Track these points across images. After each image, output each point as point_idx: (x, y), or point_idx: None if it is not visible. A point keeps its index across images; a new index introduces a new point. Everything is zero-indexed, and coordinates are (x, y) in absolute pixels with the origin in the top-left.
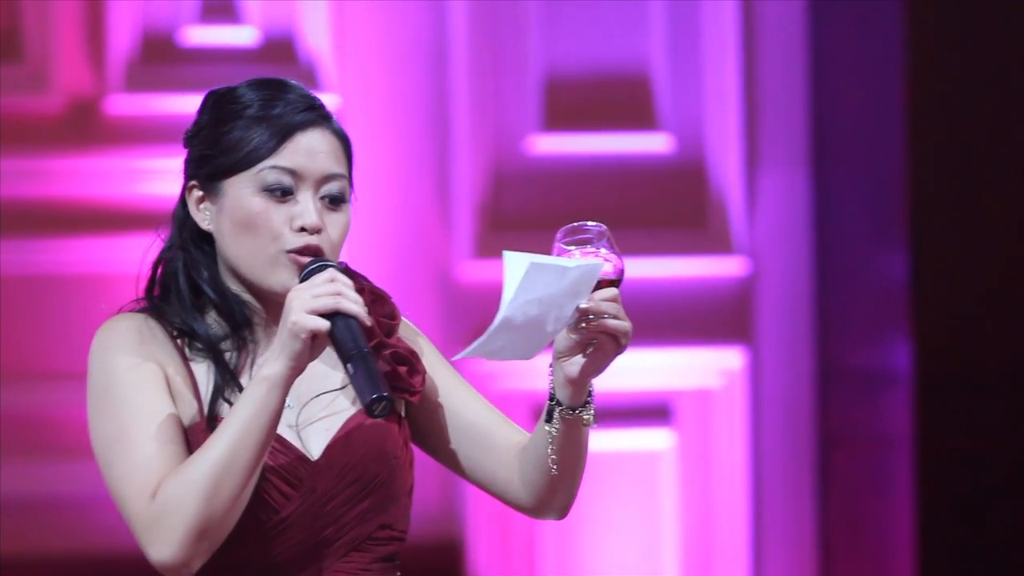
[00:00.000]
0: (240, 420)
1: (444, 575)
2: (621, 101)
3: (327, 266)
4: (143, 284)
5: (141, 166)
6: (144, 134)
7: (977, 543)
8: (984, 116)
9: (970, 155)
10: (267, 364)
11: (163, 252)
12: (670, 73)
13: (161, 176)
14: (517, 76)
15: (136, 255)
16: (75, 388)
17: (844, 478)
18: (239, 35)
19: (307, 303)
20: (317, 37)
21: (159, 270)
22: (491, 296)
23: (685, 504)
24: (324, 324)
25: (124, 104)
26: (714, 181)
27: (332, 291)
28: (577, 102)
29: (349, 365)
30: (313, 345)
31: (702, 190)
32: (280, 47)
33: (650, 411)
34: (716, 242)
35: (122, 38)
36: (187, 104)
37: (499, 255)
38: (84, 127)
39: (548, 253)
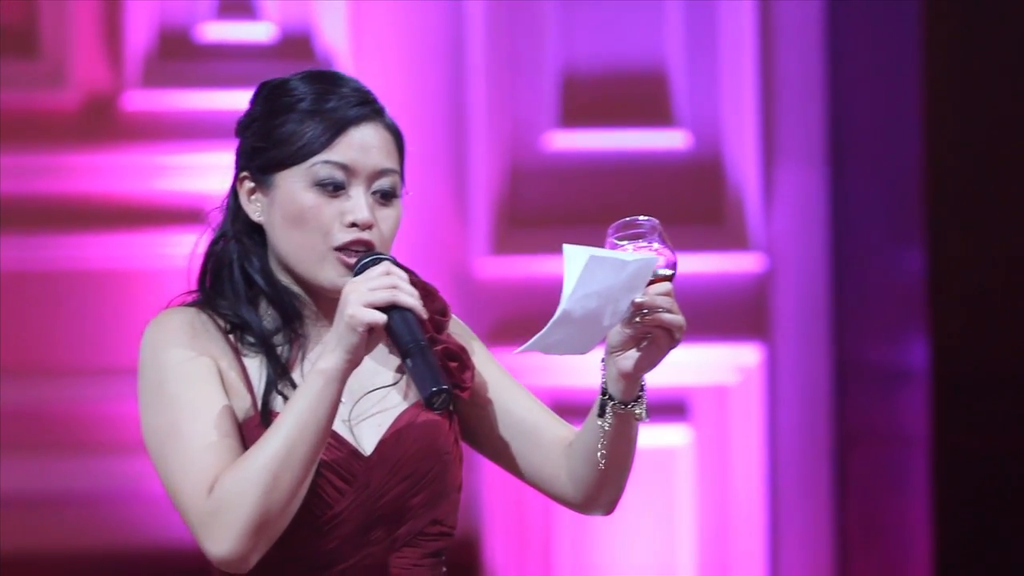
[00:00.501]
0: (297, 414)
1: (461, 570)
2: (638, 97)
3: (381, 259)
4: (195, 275)
5: (158, 162)
6: (161, 130)
7: (994, 540)
8: (1001, 113)
9: (986, 152)
10: (323, 357)
11: (215, 242)
12: (687, 69)
13: (178, 172)
14: (534, 72)
15: (153, 251)
16: (88, 384)
17: (861, 475)
18: (256, 31)
19: (364, 296)
20: (334, 33)
21: (209, 260)
22: (508, 292)
23: (702, 500)
24: (381, 317)
25: (141, 100)
26: (731, 177)
27: (388, 284)
28: (594, 98)
29: (408, 358)
30: (369, 338)
31: (719, 186)
32: (297, 43)
33: (666, 407)
34: (733, 238)
35: (139, 34)
36: (204, 100)
37: (515, 251)
38: (101, 123)
39: (564, 248)
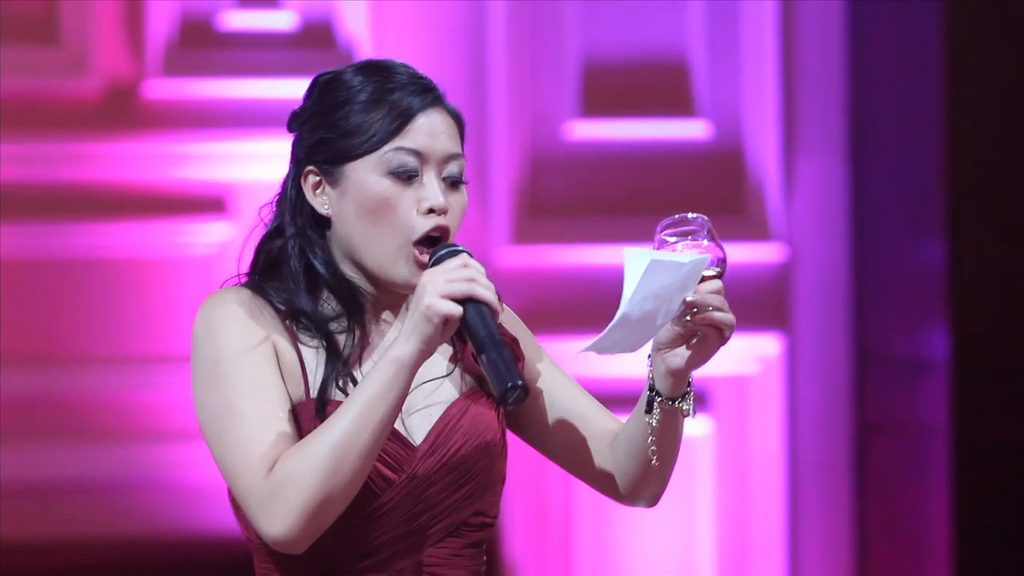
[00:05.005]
0: (366, 400)
1: None
2: (659, 87)
3: (458, 251)
4: (246, 266)
5: (179, 150)
6: (182, 118)
7: (1014, 529)
8: (1022, 103)
9: (1008, 142)
10: (396, 346)
11: (270, 237)
12: (708, 60)
13: (199, 160)
14: (555, 62)
15: (173, 239)
16: (107, 372)
17: (881, 465)
18: (277, 20)
19: (441, 287)
20: (355, 22)
21: (263, 254)
22: (528, 281)
23: (721, 490)
24: (458, 309)
25: (162, 88)
26: (752, 168)
27: (466, 276)
28: (615, 88)
29: (482, 353)
30: (443, 329)
31: (740, 177)
32: (318, 32)
33: None
34: (753, 229)
35: (161, 22)
36: (225, 89)
37: (536, 241)
38: (122, 111)
39: (587, 238)
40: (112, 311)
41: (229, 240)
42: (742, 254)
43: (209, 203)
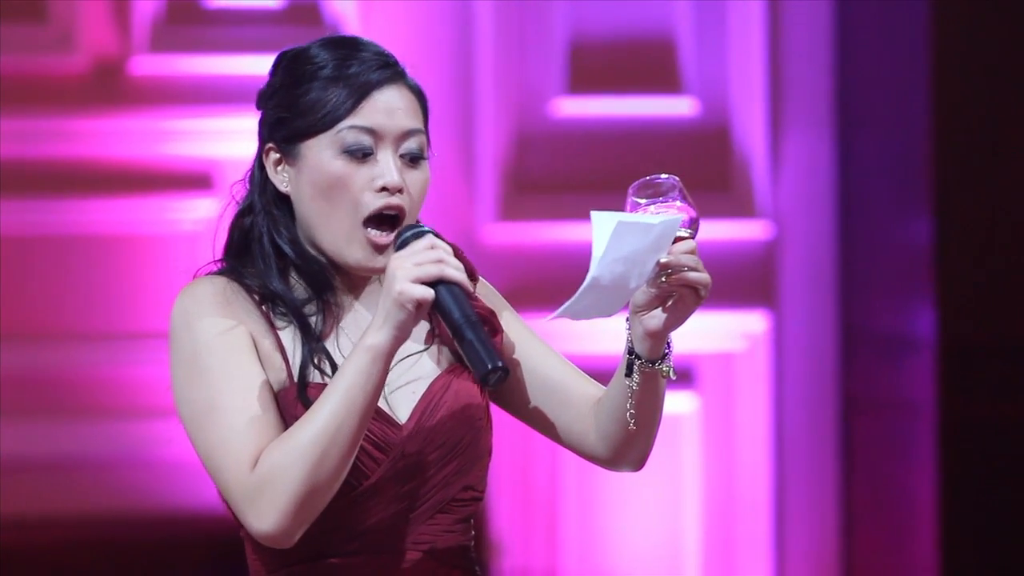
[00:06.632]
0: (346, 390)
1: None
2: (646, 64)
3: (423, 232)
4: (220, 246)
5: (166, 127)
6: (169, 95)
7: (1000, 508)
8: (1010, 80)
9: (995, 119)
10: (369, 334)
11: (241, 215)
12: (695, 36)
13: (185, 137)
14: (542, 39)
15: (160, 215)
16: (94, 348)
17: (867, 442)
18: None
19: (411, 272)
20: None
21: (236, 232)
22: (514, 258)
23: (707, 467)
24: (430, 293)
25: (149, 65)
26: (738, 145)
27: (434, 259)
28: (602, 65)
29: (460, 335)
30: (416, 314)
31: (726, 154)
32: (305, 9)
33: None
34: (740, 206)
35: None
36: (212, 65)
37: (522, 218)
38: (109, 88)
39: (573, 215)
40: (99, 287)
41: (216, 216)
42: (728, 231)
43: (196, 179)
